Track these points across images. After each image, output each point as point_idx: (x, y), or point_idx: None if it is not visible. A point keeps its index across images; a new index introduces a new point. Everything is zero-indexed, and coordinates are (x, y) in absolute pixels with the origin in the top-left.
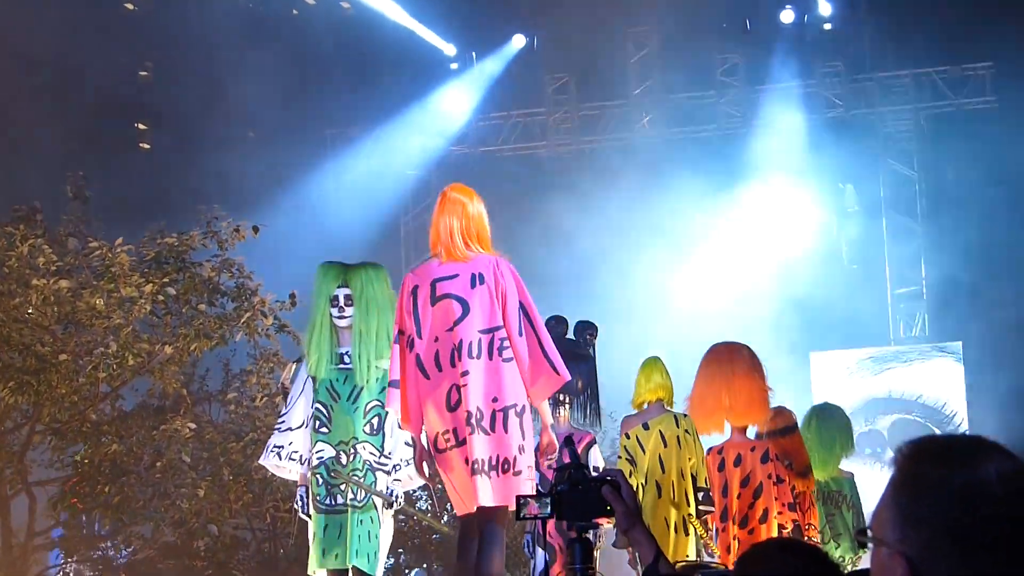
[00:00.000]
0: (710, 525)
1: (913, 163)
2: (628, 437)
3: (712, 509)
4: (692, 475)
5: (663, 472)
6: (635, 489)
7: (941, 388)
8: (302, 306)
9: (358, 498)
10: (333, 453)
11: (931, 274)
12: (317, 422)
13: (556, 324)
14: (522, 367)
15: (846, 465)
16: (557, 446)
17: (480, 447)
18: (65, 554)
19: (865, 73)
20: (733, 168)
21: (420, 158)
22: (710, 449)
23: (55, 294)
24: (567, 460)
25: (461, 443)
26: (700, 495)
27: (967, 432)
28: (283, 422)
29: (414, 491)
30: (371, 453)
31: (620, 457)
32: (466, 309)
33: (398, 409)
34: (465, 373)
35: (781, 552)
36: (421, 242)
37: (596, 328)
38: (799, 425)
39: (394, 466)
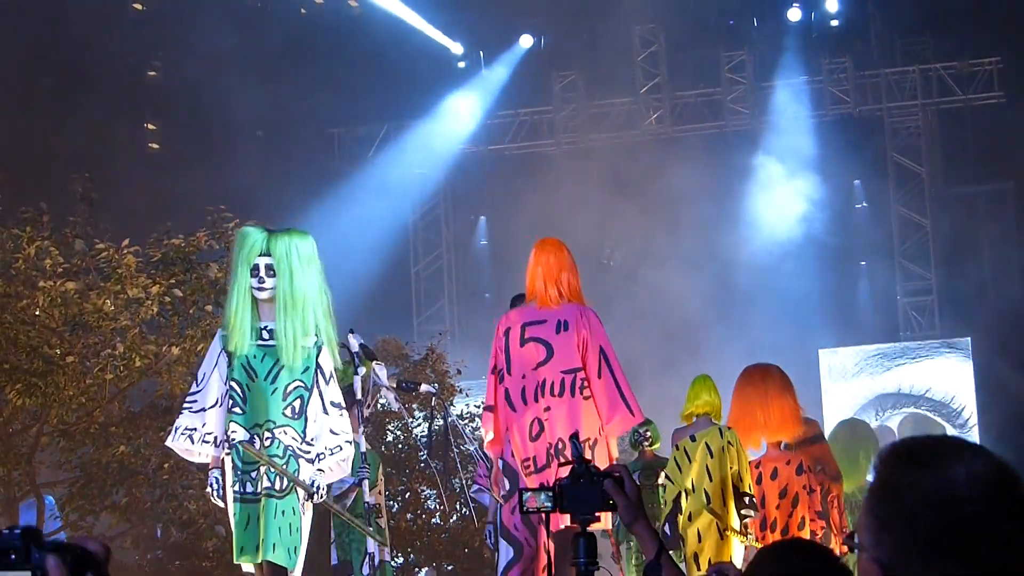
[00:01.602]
0: (749, 530)
1: (921, 159)
2: (677, 448)
3: (753, 514)
4: (734, 483)
5: (710, 480)
6: (679, 495)
7: (950, 383)
8: None
9: (276, 487)
10: (247, 436)
11: (939, 270)
12: (231, 401)
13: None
14: (600, 406)
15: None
16: None
17: (555, 474)
18: None
19: (872, 69)
20: (741, 165)
21: (428, 156)
22: (748, 464)
23: (62, 296)
24: (570, 455)
25: (540, 470)
26: (746, 499)
27: (975, 426)
28: (195, 401)
29: (423, 490)
30: (293, 438)
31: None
32: (550, 352)
33: (490, 430)
34: (547, 409)
35: (792, 552)
36: (429, 239)
37: None
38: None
39: (318, 455)
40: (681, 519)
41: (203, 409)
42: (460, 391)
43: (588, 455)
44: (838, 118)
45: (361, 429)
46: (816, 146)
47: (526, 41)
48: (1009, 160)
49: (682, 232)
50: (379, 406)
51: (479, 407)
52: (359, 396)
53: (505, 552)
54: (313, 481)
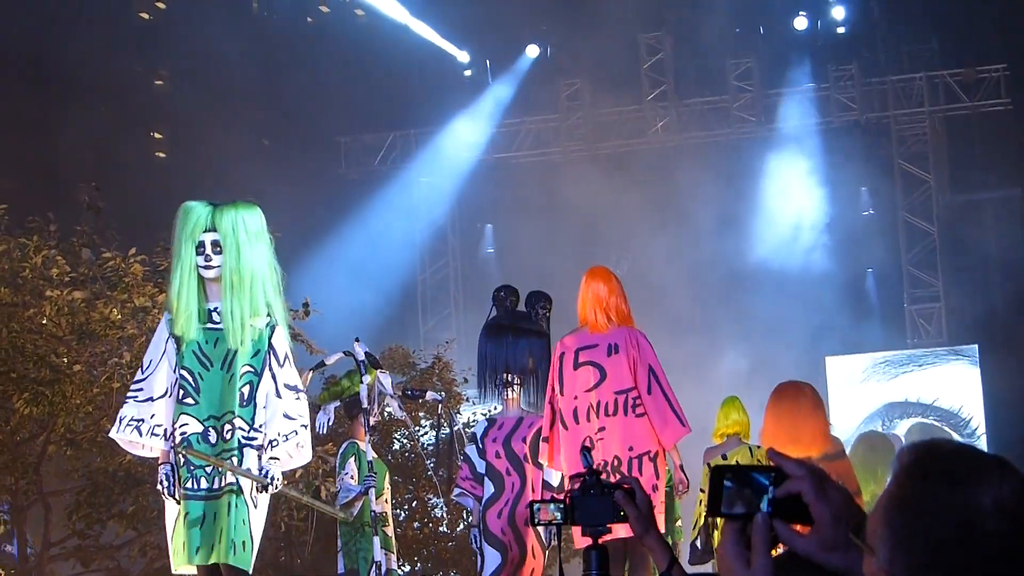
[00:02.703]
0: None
1: (928, 166)
2: (709, 466)
3: None
4: None
5: None
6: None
7: (958, 391)
8: (315, 315)
9: (214, 485)
10: (200, 429)
11: (947, 277)
12: (182, 391)
13: (506, 295)
14: (652, 420)
15: None
16: (687, 482)
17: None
18: (81, 564)
19: (879, 76)
20: (747, 172)
21: (434, 165)
22: None
23: (69, 305)
24: (582, 467)
25: None
26: None
27: (983, 435)
28: (140, 390)
29: (430, 499)
30: (240, 427)
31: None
32: (603, 374)
33: (547, 458)
34: (602, 428)
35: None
36: (435, 247)
37: (550, 300)
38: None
39: (270, 442)
40: (716, 533)
41: (150, 399)
42: (467, 399)
43: (649, 467)
44: (845, 125)
45: (367, 438)
46: (823, 153)
47: (532, 50)
48: (1016, 167)
49: (688, 239)
50: (385, 414)
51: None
52: (365, 404)
53: (491, 557)
54: (266, 471)
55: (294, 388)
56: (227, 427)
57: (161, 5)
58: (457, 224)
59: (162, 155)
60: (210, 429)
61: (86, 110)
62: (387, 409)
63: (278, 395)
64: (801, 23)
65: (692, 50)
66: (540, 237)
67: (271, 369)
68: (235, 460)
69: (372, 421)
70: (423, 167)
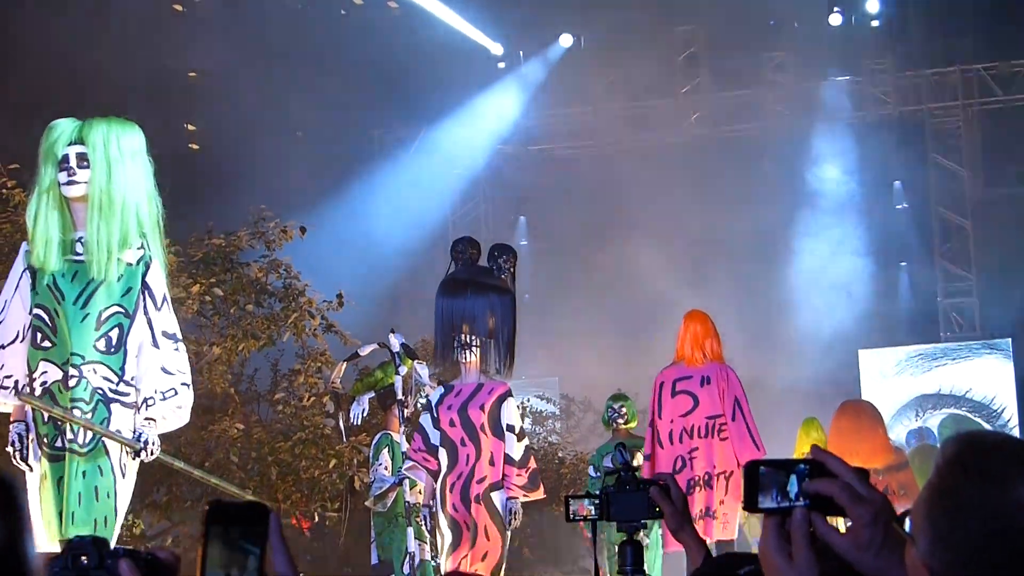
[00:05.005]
0: None
1: (962, 159)
2: None
3: None
4: None
5: None
6: None
7: (991, 384)
8: (349, 306)
9: (79, 440)
10: (60, 375)
11: (980, 271)
12: (38, 334)
13: (464, 248)
14: (735, 444)
15: None
16: None
17: (699, 501)
18: None
19: (913, 70)
20: (781, 166)
21: (467, 157)
22: None
23: None
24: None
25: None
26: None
27: (1016, 427)
28: None
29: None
30: (105, 378)
31: None
32: (696, 402)
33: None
34: (695, 448)
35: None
36: None
37: (515, 253)
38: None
39: (144, 400)
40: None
41: (1, 346)
42: None
43: (724, 484)
44: (879, 119)
45: (402, 429)
46: (857, 147)
47: (566, 40)
48: None
49: (722, 232)
50: (420, 406)
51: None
52: (400, 396)
53: (445, 535)
54: (140, 434)
55: (172, 337)
56: (73, 373)
57: None
58: (491, 217)
59: (195, 147)
60: (67, 375)
61: (120, 102)
62: (421, 401)
63: (154, 344)
64: (835, 19)
65: (726, 43)
66: (574, 229)
67: (146, 312)
68: (92, 417)
69: (407, 412)
70: (456, 160)
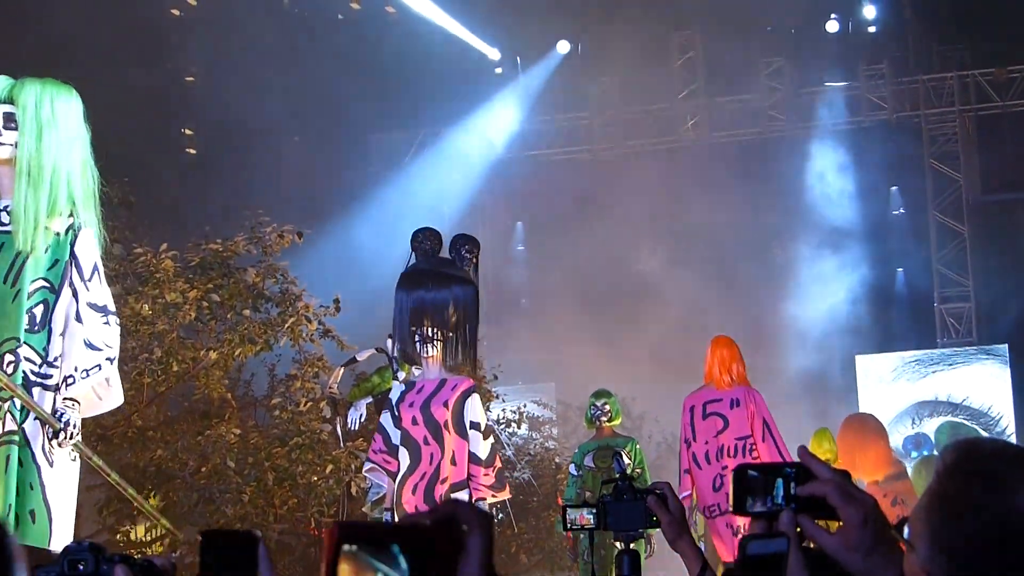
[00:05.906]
0: None
1: (959, 165)
2: None
3: None
4: None
5: None
6: None
7: (988, 390)
8: (346, 311)
9: (2, 431)
10: None
11: (977, 277)
12: None
13: (424, 239)
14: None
15: None
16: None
17: (739, 516)
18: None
19: (910, 76)
20: (777, 171)
21: (464, 162)
22: None
23: None
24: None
25: (723, 513)
26: None
27: (1013, 434)
28: None
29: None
30: (27, 359)
31: None
32: (726, 423)
33: (685, 487)
34: (725, 467)
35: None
36: None
37: (477, 243)
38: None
39: (65, 379)
40: None
41: None
42: (496, 396)
43: None
44: (876, 124)
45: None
46: (853, 152)
47: (563, 47)
48: None
49: (720, 237)
50: None
51: (515, 412)
52: None
53: None
54: (61, 413)
55: (102, 309)
56: (9, 358)
57: (192, 1)
58: (487, 221)
59: (193, 151)
60: (8, 363)
61: (117, 105)
62: None
63: (78, 318)
64: (832, 26)
65: (723, 48)
66: (570, 234)
67: (72, 285)
68: (10, 404)
69: None
70: (452, 164)
